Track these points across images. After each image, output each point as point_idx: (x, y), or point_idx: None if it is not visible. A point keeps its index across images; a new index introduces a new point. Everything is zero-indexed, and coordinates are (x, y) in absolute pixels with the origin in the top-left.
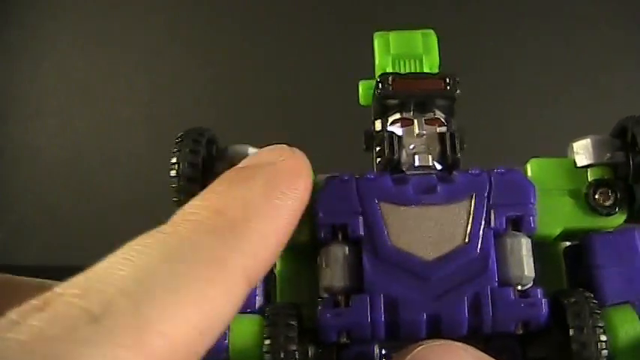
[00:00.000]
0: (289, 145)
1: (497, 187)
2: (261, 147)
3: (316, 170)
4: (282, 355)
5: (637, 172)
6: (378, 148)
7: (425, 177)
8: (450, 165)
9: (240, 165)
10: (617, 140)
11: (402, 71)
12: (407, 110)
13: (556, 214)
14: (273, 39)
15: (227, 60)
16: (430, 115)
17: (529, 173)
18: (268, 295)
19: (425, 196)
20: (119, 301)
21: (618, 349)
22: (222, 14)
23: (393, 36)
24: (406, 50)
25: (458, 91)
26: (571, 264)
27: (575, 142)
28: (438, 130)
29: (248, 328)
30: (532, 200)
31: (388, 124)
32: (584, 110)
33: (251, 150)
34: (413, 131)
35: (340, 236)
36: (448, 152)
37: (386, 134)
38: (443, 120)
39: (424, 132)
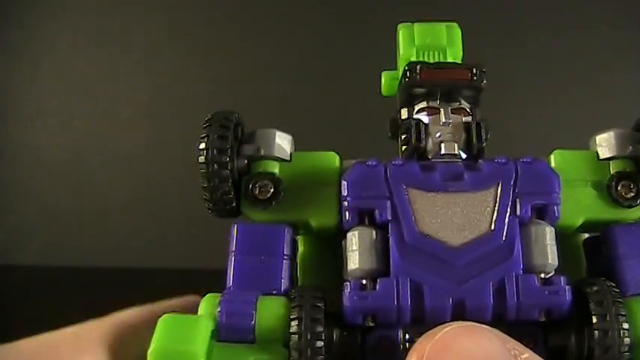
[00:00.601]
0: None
1: (523, 176)
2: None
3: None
4: (308, 337)
5: None
6: (403, 136)
7: (451, 165)
8: (475, 154)
9: None
10: (638, 134)
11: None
12: (433, 99)
13: (578, 205)
14: (273, 39)
15: (227, 60)
16: (456, 104)
17: (552, 164)
18: (293, 279)
19: (452, 183)
20: None
21: (639, 338)
22: (222, 14)
23: (417, 27)
24: (430, 42)
25: (484, 82)
26: (590, 255)
27: (597, 135)
28: (464, 119)
29: (274, 310)
30: (557, 189)
31: (414, 112)
32: (584, 110)
33: (278, 134)
34: (439, 120)
35: (367, 220)
36: (474, 141)
37: (413, 122)
38: (468, 110)
39: (450, 121)
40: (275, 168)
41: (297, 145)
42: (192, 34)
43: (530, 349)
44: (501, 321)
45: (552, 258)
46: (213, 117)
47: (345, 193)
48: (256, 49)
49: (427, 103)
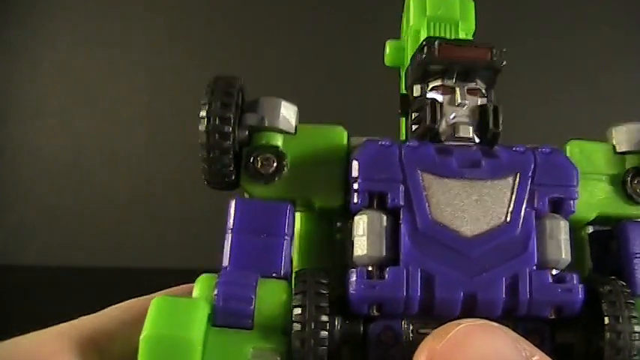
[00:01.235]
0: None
1: (542, 167)
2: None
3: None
4: (312, 326)
5: None
6: (415, 115)
7: (468, 150)
8: (489, 139)
9: None
10: None
11: (436, 35)
12: (449, 77)
13: (592, 199)
14: (273, 39)
15: (227, 60)
16: (472, 84)
17: (568, 154)
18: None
19: (469, 170)
20: None
21: None
22: (223, 14)
23: None
24: (443, 13)
25: (504, 63)
26: (597, 250)
27: (615, 127)
28: (479, 101)
29: (276, 295)
30: (575, 183)
31: (428, 89)
32: (584, 110)
33: (284, 103)
34: (454, 100)
35: (376, 204)
36: (491, 126)
37: (428, 101)
38: (483, 91)
39: (466, 102)
40: (279, 141)
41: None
42: (192, 34)
43: (537, 345)
44: (509, 316)
45: (566, 254)
46: (216, 82)
47: (355, 174)
48: (256, 49)
49: (442, 81)
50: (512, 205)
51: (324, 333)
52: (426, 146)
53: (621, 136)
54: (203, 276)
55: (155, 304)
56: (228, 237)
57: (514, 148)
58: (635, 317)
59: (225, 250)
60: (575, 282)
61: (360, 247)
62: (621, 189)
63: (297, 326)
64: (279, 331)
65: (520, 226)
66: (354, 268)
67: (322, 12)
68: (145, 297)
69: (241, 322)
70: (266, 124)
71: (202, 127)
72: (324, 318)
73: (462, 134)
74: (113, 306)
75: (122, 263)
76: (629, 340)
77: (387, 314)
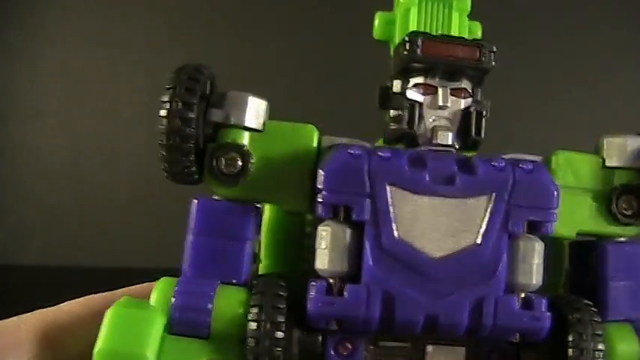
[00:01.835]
0: None
1: (521, 187)
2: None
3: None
4: (267, 343)
5: None
6: (393, 112)
7: (444, 162)
8: (469, 146)
9: None
10: None
11: (429, 14)
12: (432, 76)
13: (574, 216)
14: (272, 39)
15: (227, 60)
16: (457, 84)
17: (553, 166)
18: (256, 255)
19: (441, 187)
20: None
21: None
22: (222, 14)
23: None
24: None
25: (493, 63)
26: (576, 260)
27: (607, 137)
28: (463, 103)
29: (233, 306)
30: (555, 205)
31: (409, 85)
32: (584, 110)
33: (251, 99)
34: (436, 101)
35: (342, 216)
36: (472, 133)
37: (407, 103)
38: (469, 90)
39: (448, 105)
40: (245, 139)
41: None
42: (192, 34)
43: None
44: (473, 335)
45: (537, 278)
46: (179, 75)
47: (320, 185)
48: (256, 49)
49: (425, 79)
50: (484, 227)
51: (278, 350)
52: (398, 157)
53: (612, 150)
54: (163, 280)
55: (110, 315)
56: (190, 239)
57: (493, 163)
58: (600, 350)
59: (185, 253)
60: (543, 309)
61: (322, 260)
62: (606, 207)
63: (251, 341)
64: (236, 341)
65: (491, 250)
66: (315, 277)
67: (322, 12)
68: (104, 293)
69: (198, 331)
70: (232, 121)
71: (163, 111)
72: (280, 335)
73: (440, 141)
74: (72, 301)
75: (122, 263)
76: (591, 357)
77: (347, 330)
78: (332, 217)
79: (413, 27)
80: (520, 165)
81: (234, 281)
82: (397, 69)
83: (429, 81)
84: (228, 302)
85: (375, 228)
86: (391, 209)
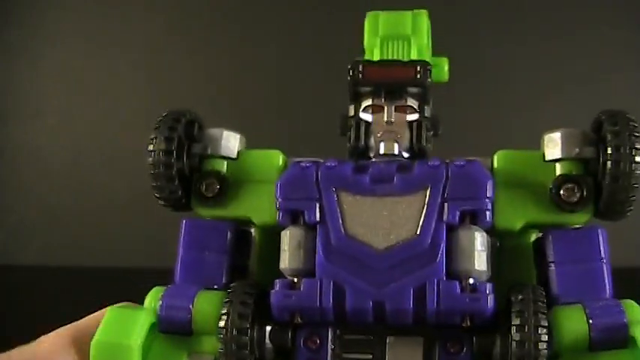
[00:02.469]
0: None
1: (454, 180)
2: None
3: (294, 155)
4: (234, 332)
5: (604, 169)
6: (348, 134)
7: (386, 166)
8: (416, 154)
9: None
10: (593, 134)
11: (390, 52)
12: (378, 97)
13: (518, 208)
14: (272, 39)
15: (227, 60)
16: (402, 102)
17: (495, 165)
18: (238, 270)
19: (380, 186)
20: None
21: (563, 348)
22: (222, 14)
23: (383, 16)
24: (395, 31)
25: (429, 80)
26: (538, 257)
27: (546, 134)
28: (409, 117)
29: (210, 305)
30: (487, 194)
31: (360, 109)
32: (584, 110)
33: (225, 134)
34: (382, 118)
35: (301, 221)
36: (414, 141)
37: (354, 121)
38: (415, 107)
39: (393, 119)
40: (222, 166)
41: (297, 141)
42: (192, 34)
43: (456, 352)
44: (427, 324)
45: (479, 264)
46: (163, 118)
47: (277, 194)
48: (256, 49)
49: (372, 100)
50: (422, 219)
51: (245, 338)
52: (345, 165)
53: (550, 143)
54: (154, 289)
55: (108, 313)
56: (179, 253)
57: (429, 163)
58: (543, 327)
59: (176, 265)
60: (486, 291)
61: (283, 260)
62: (550, 197)
63: (221, 332)
64: (215, 337)
65: (429, 238)
66: (280, 279)
67: (322, 12)
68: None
69: (181, 328)
70: (209, 152)
71: (150, 159)
72: (245, 325)
73: (386, 151)
74: (100, 311)
75: (122, 263)
76: (532, 348)
77: (309, 322)
78: (293, 223)
79: None
80: (454, 162)
81: (215, 287)
82: (350, 96)
83: (376, 102)
84: (205, 302)
85: (325, 228)
86: (338, 210)
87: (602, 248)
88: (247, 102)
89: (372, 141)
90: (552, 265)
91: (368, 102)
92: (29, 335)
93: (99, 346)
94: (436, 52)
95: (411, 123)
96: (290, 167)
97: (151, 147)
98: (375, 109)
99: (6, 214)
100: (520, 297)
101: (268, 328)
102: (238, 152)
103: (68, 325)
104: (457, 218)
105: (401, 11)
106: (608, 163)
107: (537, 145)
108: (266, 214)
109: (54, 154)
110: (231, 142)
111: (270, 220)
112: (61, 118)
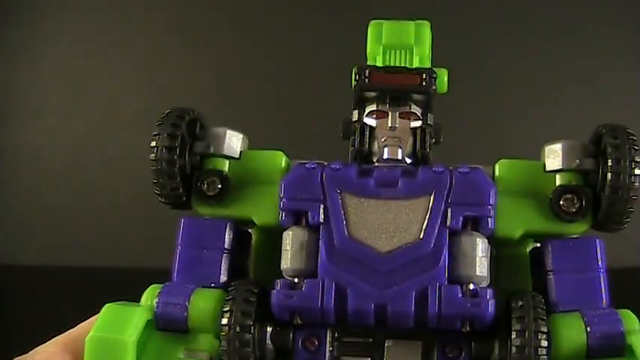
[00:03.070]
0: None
1: (457, 187)
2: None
3: (296, 157)
4: (237, 329)
5: (604, 181)
6: (352, 138)
7: (389, 170)
8: (419, 160)
9: None
10: (592, 146)
11: (392, 61)
12: (382, 102)
13: (518, 217)
14: (272, 39)
15: (227, 60)
16: (405, 108)
17: (496, 174)
18: (237, 270)
19: (385, 190)
20: None
21: (561, 355)
22: (222, 14)
23: (386, 25)
24: (397, 40)
25: (433, 87)
26: (535, 266)
27: (547, 145)
28: (412, 124)
29: (206, 302)
30: (490, 201)
31: (364, 114)
32: (584, 110)
33: (229, 133)
34: (386, 123)
35: (304, 221)
36: (418, 147)
37: (359, 125)
38: (418, 114)
39: (397, 125)
40: (224, 165)
41: (296, 142)
42: (192, 34)
43: (455, 357)
44: (426, 329)
45: (480, 270)
46: (167, 115)
47: (281, 194)
48: (256, 49)
49: (377, 106)
50: (426, 223)
51: (248, 335)
52: (349, 168)
53: (550, 155)
54: (151, 286)
55: (104, 309)
56: (177, 251)
57: (433, 168)
58: (543, 333)
59: (173, 263)
60: (487, 297)
61: (285, 260)
62: (550, 207)
63: (224, 329)
64: (212, 335)
65: (432, 243)
66: (281, 278)
67: (323, 12)
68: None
69: (178, 326)
70: (212, 151)
71: (152, 155)
72: (249, 322)
73: (390, 156)
74: (95, 316)
75: (122, 263)
76: (532, 354)
77: (309, 323)
78: (295, 224)
79: None
80: (458, 169)
81: (212, 285)
82: (354, 101)
83: (381, 107)
84: (202, 300)
85: (329, 229)
86: (342, 212)
87: (600, 258)
88: (247, 102)
89: (375, 146)
90: (551, 273)
91: (372, 107)
92: (29, 335)
93: (94, 341)
94: (437, 55)
95: (414, 129)
96: (294, 168)
97: (153, 143)
98: (380, 115)
99: (6, 214)
100: (520, 303)
101: (269, 328)
102: (241, 152)
103: (63, 334)
104: (460, 224)
105: (404, 21)
106: (609, 174)
107: (537, 145)
108: (267, 215)
109: (54, 154)
110: (234, 141)
111: (272, 221)
112: (61, 118)
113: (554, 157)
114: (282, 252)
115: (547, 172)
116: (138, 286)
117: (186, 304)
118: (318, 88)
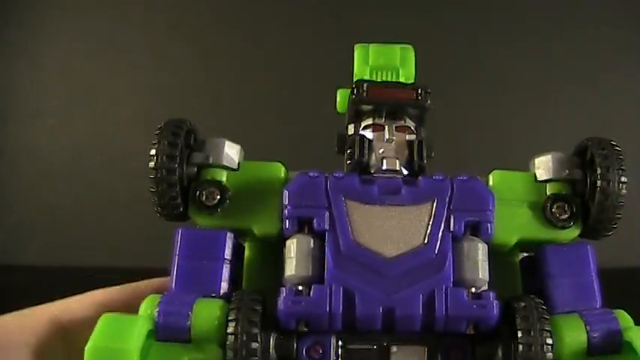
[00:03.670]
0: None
1: (459, 193)
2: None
3: (292, 168)
4: (244, 338)
5: (593, 189)
6: (349, 151)
7: (391, 179)
8: (416, 171)
9: None
10: (577, 158)
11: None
12: (379, 116)
13: (513, 224)
14: (272, 39)
15: (227, 60)
16: (400, 122)
17: (490, 183)
18: (234, 281)
19: (389, 197)
20: None
21: (563, 355)
22: (222, 14)
23: (372, 48)
24: (384, 62)
25: (429, 102)
26: (526, 274)
27: (536, 157)
28: (407, 137)
29: (210, 312)
30: (490, 207)
31: (360, 128)
32: (584, 110)
33: (227, 144)
34: (383, 136)
35: (307, 229)
36: (415, 159)
37: (357, 137)
38: (413, 128)
39: (394, 138)
40: (223, 176)
41: (295, 143)
42: (192, 34)
43: (459, 359)
44: (431, 331)
45: (483, 273)
46: (165, 124)
47: (285, 201)
48: (256, 50)
49: (373, 119)
50: (429, 228)
51: (255, 344)
52: (352, 177)
53: (541, 166)
54: (150, 296)
55: (102, 319)
56: (174, 262)
57: (434, 177)
58: (547, 331)
59: (171, 274)
60: (491, 299)
61: (290, 267)
62: (541, 215)
63: (230, 338)
64: (215, 344)
65: (437, 247)
66: (285, 286)
67: (324, 12)
68: (106, 289)
69: (179, 336)
70: (210, 162)
71: (152, 163)
72: (255, 331)
73: (388, 167)
74: (76, 296)
75: (122, 263)
76: (540, 351)
77: (315, 330)
78: (298, 231)
79: None
80: (457, 177)
81: (212, 295)
82: (350, 115)
83: (377, 121)
84: (205, 308)
85: (334, 235)
86: (347, 218)
87: (591, 262)
88: (247, 102)
89: (373, 158)
90: (548, 277)
91: (369, 121)
92: None
93: (94, 351)
94: (437, 55)
95: (409, 142)
96: (298, 176)
97: (153, 151)
98: (376, 128)
99: (6, 214)
100: (522, 304)
101: (273, 337)
102: (239, 163)
103: (42, 306)
104: (462, 228)
105: (389, 44)
106: (598, 182)
107: (537, 146)
108: (268, 225)
109: (54, 154)
110: (232, 152)
111: (272, 231)
112: (61, 118)
113: (544, 167)
114: (286, 260)
115: (538, 182)
116: None
117: (189, 313)
118: (318, 88)
